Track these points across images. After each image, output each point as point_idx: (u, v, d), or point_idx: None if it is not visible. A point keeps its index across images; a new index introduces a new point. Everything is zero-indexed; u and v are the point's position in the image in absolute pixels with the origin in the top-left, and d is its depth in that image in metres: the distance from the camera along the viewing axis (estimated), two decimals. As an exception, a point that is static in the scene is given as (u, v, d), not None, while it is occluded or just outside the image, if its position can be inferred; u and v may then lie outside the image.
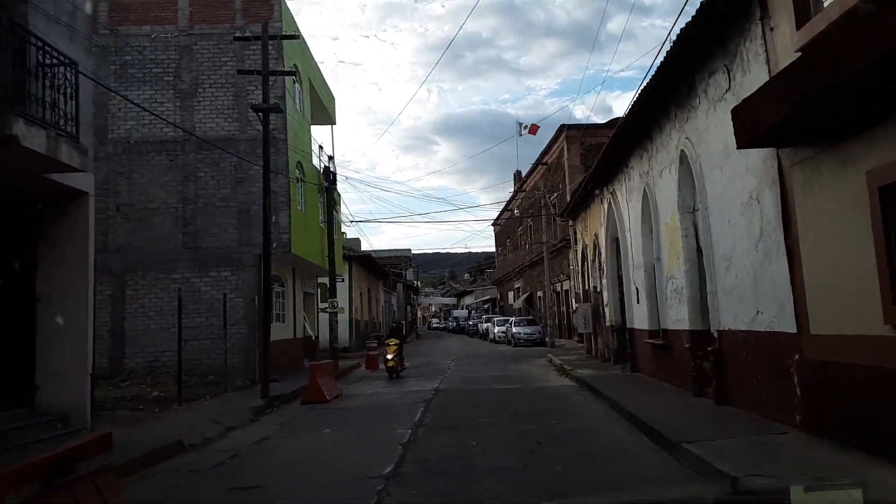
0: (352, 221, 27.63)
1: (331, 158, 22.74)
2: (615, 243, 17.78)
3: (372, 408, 13.49)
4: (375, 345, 22.99)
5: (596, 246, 20.93)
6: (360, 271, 35.44)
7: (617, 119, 31.54)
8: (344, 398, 14.95)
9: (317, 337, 25.02)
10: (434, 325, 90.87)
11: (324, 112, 25.08)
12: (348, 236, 50.66)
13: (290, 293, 21.26)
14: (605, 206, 18.54)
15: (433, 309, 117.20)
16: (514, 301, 50.58)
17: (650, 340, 14.21)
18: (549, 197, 33.70)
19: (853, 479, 4.46)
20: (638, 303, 15.29)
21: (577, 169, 32.85)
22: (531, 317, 37.89)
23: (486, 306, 65.61)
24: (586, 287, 23.29)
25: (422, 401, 13.75)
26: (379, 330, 42.93)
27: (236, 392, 15.20)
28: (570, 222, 25.37)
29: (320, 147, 38.19)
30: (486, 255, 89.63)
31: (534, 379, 17.78)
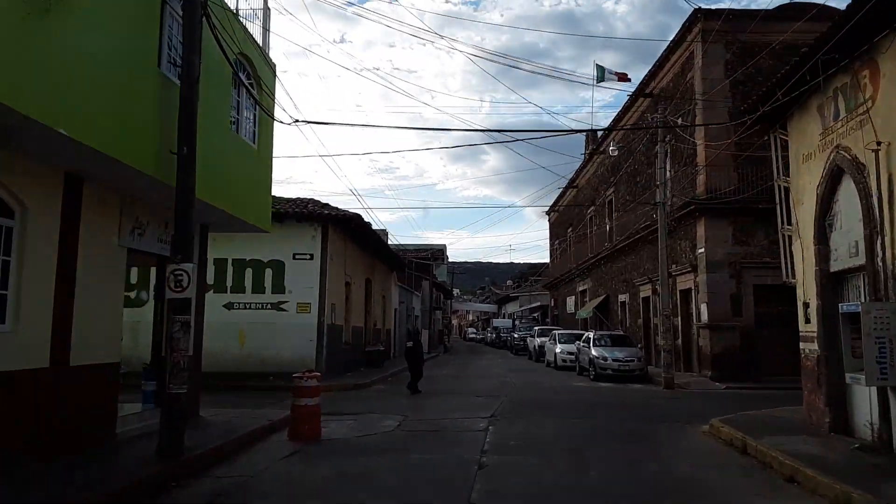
0: (296, 121, 12.87)
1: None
2: None
3: None
4: (310, 386, 9.78)
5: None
6: (349, 248, 22.51)
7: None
8: None
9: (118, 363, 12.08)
10: (470, 336, 77.84)
11: None
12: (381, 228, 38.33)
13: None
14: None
15: (470, 317, 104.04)
16: (577, 309, 36.96)
17: None
18: (677, 116, 19.89)
19: None
20: None
21: (715, 83, 19.23)
22: (620, 331, 24.29)
23: (534, 315, 52.01)
24: (822, 268, 9.76)
25: None
26: (387, 343, 29.83)
27: None
28: (772, 135, 11.82)
29: None
30: (531, 266, 76.47)
31: None
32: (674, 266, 21.66)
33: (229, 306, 19.06)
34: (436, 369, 25.42)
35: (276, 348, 18.69)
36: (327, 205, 19.59)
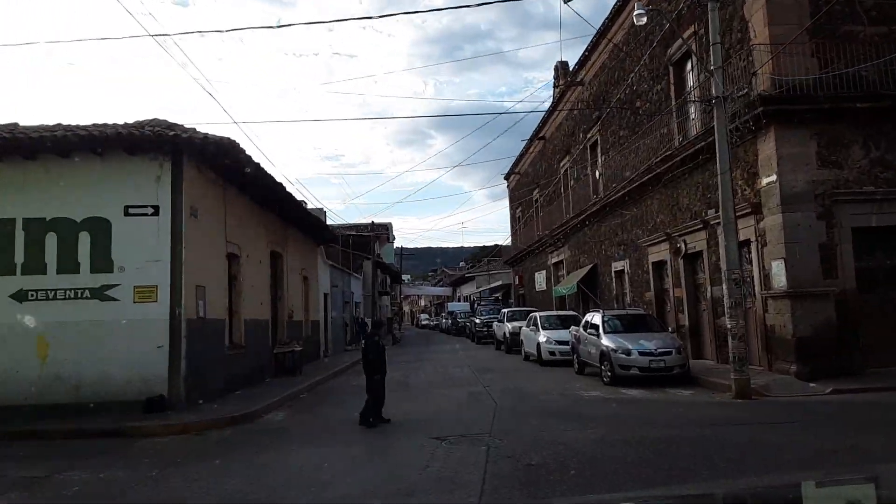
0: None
1: None
2: None
3: None
4: None
5: None
6: (236, 203, 15.19)
7: None
8: None
9: None
10: (423, 323, 71.18)
11: None
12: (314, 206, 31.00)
13: None
14: None
15: (422, 303, 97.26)
16: (551, 284, 30.30)
17: None
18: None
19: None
20: None
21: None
22: (640, 309, 17.47)
23: (496, 296, 45.31)
24: None
25: None
26: (314, 340, 22.46)
27: None
28: None
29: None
30: (483, 249, 69.69)
31: None
32: (711, 211, 15.01)
33: (20, 297, 11.50)
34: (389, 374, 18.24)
35: (100, 363, 11.25)
36: (180, 125, 12.04)
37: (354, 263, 35.10)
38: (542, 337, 18.48)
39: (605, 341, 13.73)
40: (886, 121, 12.18)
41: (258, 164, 13.16)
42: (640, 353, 13.01)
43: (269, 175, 14.08)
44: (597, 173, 22.66)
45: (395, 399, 12.27)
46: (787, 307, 12.14)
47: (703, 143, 14.30)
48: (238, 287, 15.04)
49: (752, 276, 13.28)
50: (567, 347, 16.88)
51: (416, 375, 17.61)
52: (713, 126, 13.61)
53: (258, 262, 16.73)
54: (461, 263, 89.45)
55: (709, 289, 15.55)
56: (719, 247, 14.66)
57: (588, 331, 14.84)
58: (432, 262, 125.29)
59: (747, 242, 13.31)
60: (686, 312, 16.83)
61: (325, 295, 26.39)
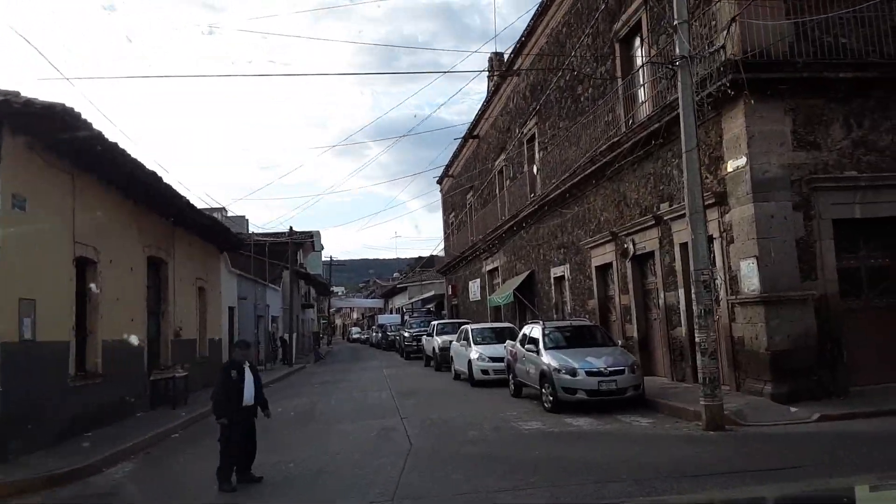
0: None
1: None
2: None
3: None
4: None
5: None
6: (90, 191, 12.22)
7: None
8: None
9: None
10: (354, 337, 68.11)
11: None
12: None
13: None
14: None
15: (355, 315, 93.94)
16: (487, 294, 28.07)
17: None
18: None
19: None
20: None
21: None
22: (586, 320, 15.21)
23: (428, 307, 42.86)
24: None
25: None
26: (206, 363, 19.30)
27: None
28: None
29: None
30: (419, 259, 67.18)
31: None
32: (664, 205, 12.99)
33: None
34: (286, 397, 15.42)
35: None
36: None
37: (273, 273, 31.95)
38: (474, 353, 16.09)
39: (547, 359, 11.42)
40: (870, 95, 10.40)
41: (101, 134, 10.19)
42: (588, 374, 10.76)
43: (122, 151, 11.09)
44: (534, 168, 20.52)
45: (284, 438, 9.59)
46: (761, 315, 10.13)
47: (656, 125, 12.26)
48: (94, 300, 11.99)
49: (717, 280, 11.26)
50: (502, 365, 14.53)
51: (326, 402, 14.89)
52: (668, 104, 11.61)
53: (128, 269, 13.68)
54: (395, 274, 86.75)
55: (661, 295, 13.51)
56: (674, 245, 12.67)
57: (526, 346, 12.51)
58: (367, 273, 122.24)
59: (710, 239, 11.29)
60: (634, 322, 14.78)
61: (231, 309, 23.29)
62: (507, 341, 14.59)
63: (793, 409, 9.53)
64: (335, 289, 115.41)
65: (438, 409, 12.51)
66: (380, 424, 10.88)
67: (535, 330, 12.73)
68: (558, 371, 10.97)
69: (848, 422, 8.95)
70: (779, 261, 10.14)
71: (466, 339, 17.14)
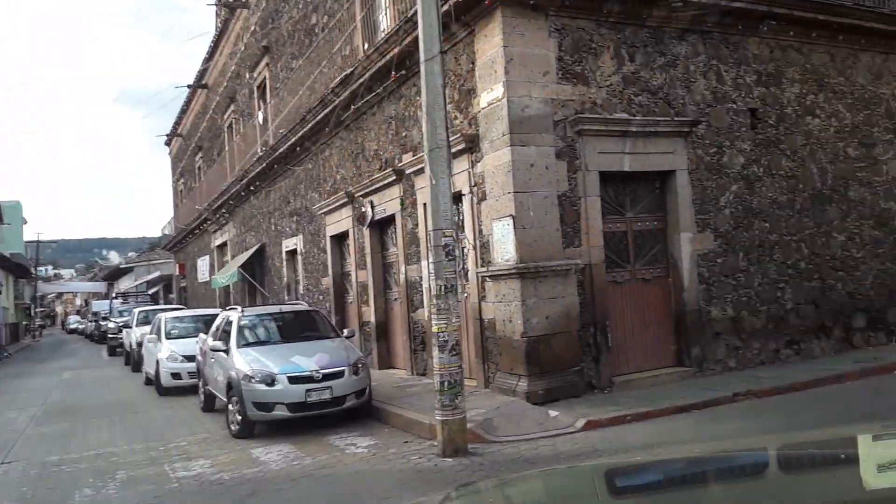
0: None
1: None
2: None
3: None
4: None
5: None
6: None
7: None
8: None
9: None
10: (72, 326, 57.79)
11: None
12: None
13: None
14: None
15: (78, 302, 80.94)
16: (215, 273, 23.54)
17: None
18: None
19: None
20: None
21: None
22: (299, 303, 11.81)
23: (153, 290, 36.54)
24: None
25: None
26: None
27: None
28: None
29: None
30: (167, 236, 59.10)
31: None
32: (407, 156, 10.24)
33: None
34: None
35: None
36: None
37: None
38: (164, 351, 11.98)
39: (237, 361, 7.96)
40: (644, 24, 8.55)
41: None
42: (292, 380, 7.53)
43: None
44: (259, 117, 16.74)
45: None
46: (516, 292, 7.77)
47: (397, 48, 9.39)
48: None
49: (465, 246, 8.76)
50: (196, 370, 10.71)
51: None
52: (410, 17, 8.78)
53: None
54: (131, 254, 76.04)
55: (402, 269, 10.81)
56: (417, 206, 9.97)
57: (216, 346, 8.85)
58: (102, 255, 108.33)
59: (458, 197, 8.74)
60: (372, 304, 11.96)
61: None
62: (200, 335, 10.77)
63: (552, 414, 7.32)
64: (59, 272, 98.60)
65: (85, 438, 8.47)
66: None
67: (231, 318, 9.16)
68: (250, 379, 7.58)
69: (617, 428, 6.93)
70: (539, 222, 7.85)
71: (158, 331, 12.91)
